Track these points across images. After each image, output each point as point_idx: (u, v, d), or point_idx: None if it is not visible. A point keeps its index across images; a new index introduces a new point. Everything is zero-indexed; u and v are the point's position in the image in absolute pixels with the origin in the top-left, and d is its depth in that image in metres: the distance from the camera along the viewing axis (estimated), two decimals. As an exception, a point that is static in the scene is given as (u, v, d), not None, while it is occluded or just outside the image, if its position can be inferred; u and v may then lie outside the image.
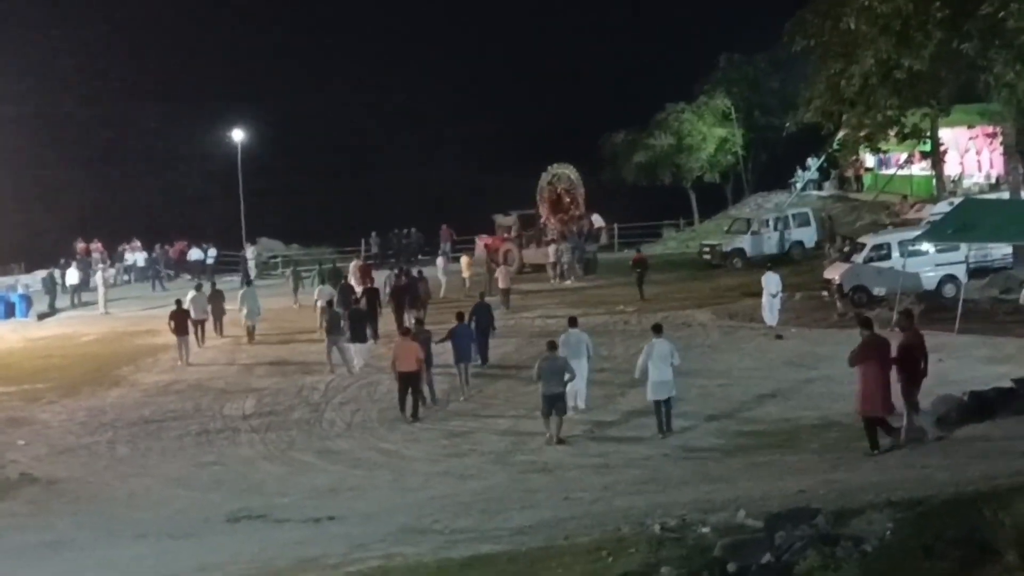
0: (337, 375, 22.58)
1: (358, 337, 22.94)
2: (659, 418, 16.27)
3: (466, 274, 33.34)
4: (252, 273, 38.75)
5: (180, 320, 25.27)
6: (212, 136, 49.36)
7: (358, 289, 28.60)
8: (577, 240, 37.01)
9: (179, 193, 58.75)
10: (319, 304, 25.88)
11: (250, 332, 27.00)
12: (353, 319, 23.23)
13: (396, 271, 30.09)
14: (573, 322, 18.61)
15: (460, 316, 20.77)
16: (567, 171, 38.93)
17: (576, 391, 17.81)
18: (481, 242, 38.89)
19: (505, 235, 38.77)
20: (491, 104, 63.56)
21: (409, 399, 18.71)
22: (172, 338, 25.34)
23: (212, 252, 42.62)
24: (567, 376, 16.45)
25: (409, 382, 18.64)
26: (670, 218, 48.66)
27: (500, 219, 39.68)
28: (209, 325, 27.01)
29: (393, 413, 19.04)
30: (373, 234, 44.10)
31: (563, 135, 50.29)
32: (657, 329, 16.69)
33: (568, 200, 38.67)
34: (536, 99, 64.11)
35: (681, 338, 23.38)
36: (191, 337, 25.64)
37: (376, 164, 62.90)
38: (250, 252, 41.39)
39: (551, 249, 36.27)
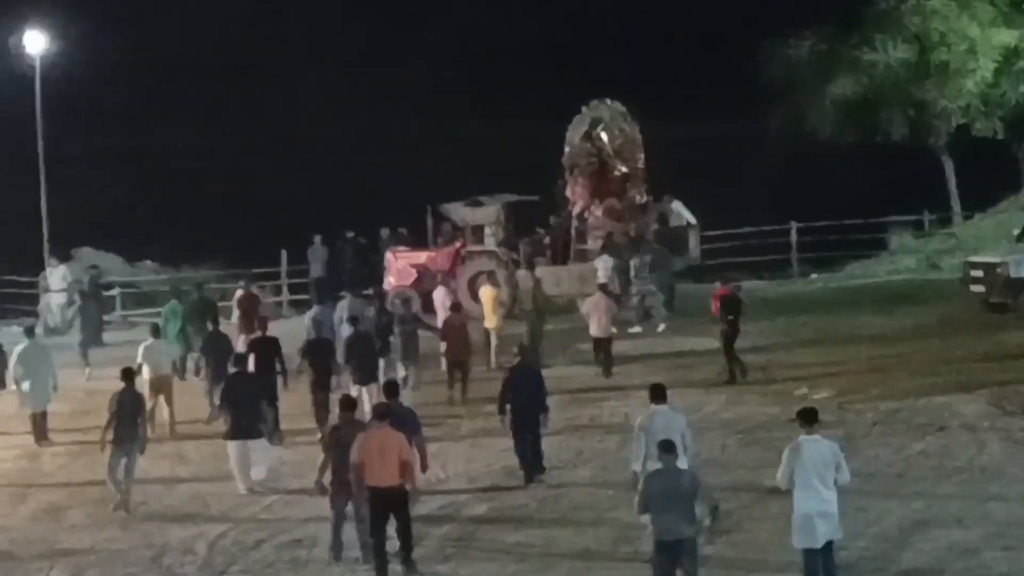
0: (239, 526, 22.38)
1: (245, 430, 23.87)
2: None
3: (492, 322, 33.64)
4: (50, 316, 40.78)
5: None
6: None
7: (238, 339, 30.94)
8: (657, 252, 38.13)
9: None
10: (146, 375, 27.28)
11: (36, 424, 27.86)
12: (237, 397, 24.17)
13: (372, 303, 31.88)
14: (659, 394, 19.89)
15: (391, 388, 21.84)
16: (616, 114, 40.48)
17: None
18: (398, 262, 40.04)
19: (465, 243, 40.13)
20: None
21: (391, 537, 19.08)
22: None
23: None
24: (706, 505, 16.87)
25: (390, 509, 18.98)
26: (903, 211, 48.97)
27: (460, 212, 40.92)
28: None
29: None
30: (317, 240, 44.64)
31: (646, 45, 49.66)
32: (808, 418, 17.46)
33: (623, 170, 39.88)
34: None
35: (929, 451, 24.29)
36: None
37: (304, 107, 62.46)
38: (57, 276, 42.12)
39: (600, 264, 37.29)
